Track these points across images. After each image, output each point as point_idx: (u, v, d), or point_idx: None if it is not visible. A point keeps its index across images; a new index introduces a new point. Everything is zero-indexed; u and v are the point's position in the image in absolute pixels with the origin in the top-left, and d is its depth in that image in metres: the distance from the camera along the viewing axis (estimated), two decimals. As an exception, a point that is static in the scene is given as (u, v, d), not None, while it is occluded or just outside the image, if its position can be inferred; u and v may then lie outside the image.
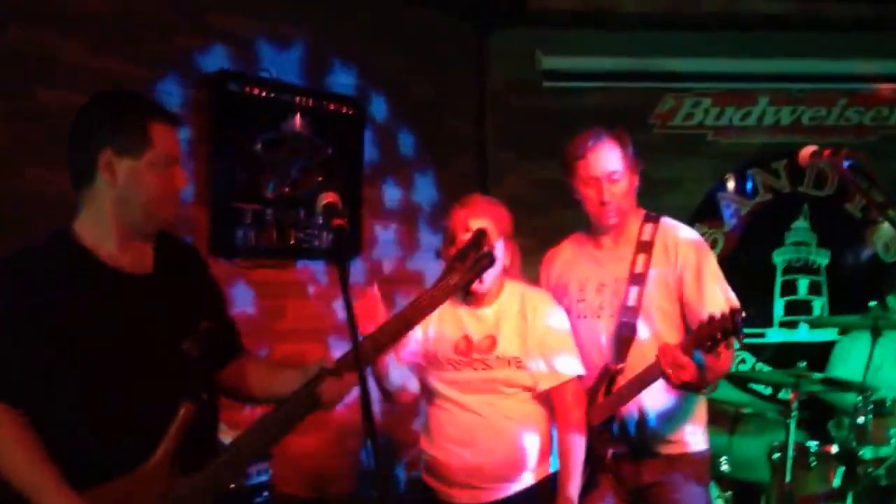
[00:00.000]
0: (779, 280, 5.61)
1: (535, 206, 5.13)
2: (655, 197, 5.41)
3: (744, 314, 2.77)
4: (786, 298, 5.60)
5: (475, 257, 2.56)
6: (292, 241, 4.15)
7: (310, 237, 4.22)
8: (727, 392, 5.16)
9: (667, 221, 3.25)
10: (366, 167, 4.63)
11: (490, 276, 2.99)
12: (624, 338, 3.08)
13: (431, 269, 5.08)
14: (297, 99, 4.17)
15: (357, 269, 4.53)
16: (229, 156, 3.93)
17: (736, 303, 3.13)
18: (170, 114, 2.32)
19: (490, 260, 2.58)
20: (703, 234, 5.44)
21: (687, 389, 2.89)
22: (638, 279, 3.12)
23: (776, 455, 4.25)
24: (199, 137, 3.88)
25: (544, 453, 3.13)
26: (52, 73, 3.39)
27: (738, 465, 4.79)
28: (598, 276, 3.20)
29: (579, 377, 3.08)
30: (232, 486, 3.18)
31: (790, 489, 4.14)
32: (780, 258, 5.61)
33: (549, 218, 4.56)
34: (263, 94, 4.02)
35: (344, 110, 4.39)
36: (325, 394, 2.34)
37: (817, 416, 4.85)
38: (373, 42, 4.71)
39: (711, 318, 2.77)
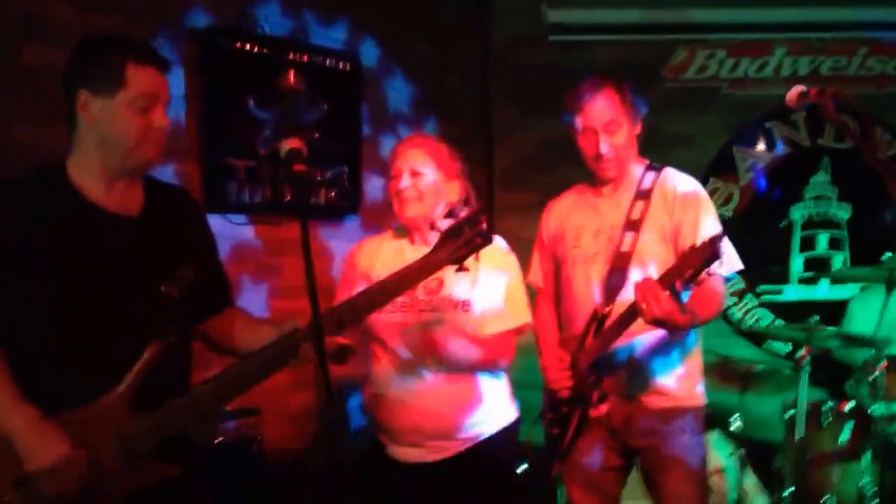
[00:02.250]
0: (797, 235, 5.47)
1: (542, 164, 5.06)
2: (667, 152, 5.29)
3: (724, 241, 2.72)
4: (805, 254, 5.47)
5: (470, 234, 2.45)
6: (288, 198, 4.11)
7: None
8: (741, 349, 5.09)
9: (669, 171, 3.18)
10: (364, 125, 4.57)
11: (422, 207, 2.98)
12: (615, 282, 3.02)
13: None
14: (291, 55, 4.13)
15: (355, 226, 4.50)
16: (221, 111, 3.89)
17: (735, 257, 3.07)
18: (153, 55, 2.31)
19: (485, 239, 2.46)
20: (717, 189, 5.46)
21: (662, 327, 2.81)
22: (634, 225, 3.06)
23: (789, 413, 4.18)
24: (191, 93, 3.84)
25: (488, 405, 3.07)
26: (39, 31, 3.36)
27: (754, 423, 4.74)
28: (595, 223, 3.15)
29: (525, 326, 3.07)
30: (220, 438, 3.19)
31: (802, 447, 4.08)
32: (798, 213, 5.46)
33: (558, 175, 4.44)
34: (255, 49, 3.99)
35: (340, 66, 4.35)
36: (304, 348, 2.32)
37: (836, 374, 4.75)
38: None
39: (692, 247, 2.70)
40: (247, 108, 3.95)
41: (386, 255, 3.11)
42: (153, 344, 2.22)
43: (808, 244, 5.47)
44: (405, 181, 3.01)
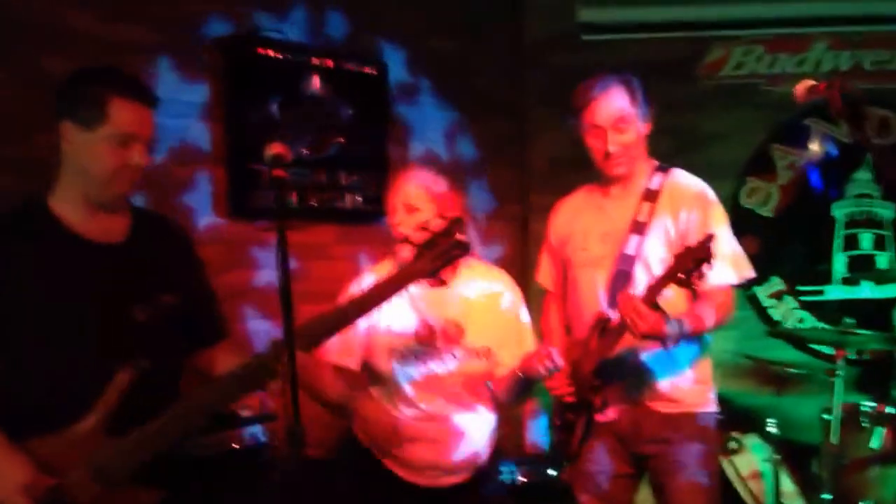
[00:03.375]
0: (839, 235, 5.33)
1: (576, 164, 4.98)
2: (703, 150, 5.27)
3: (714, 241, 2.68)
4: (847, 254, 5.33)
5: (446, 245, 2.43)
6: (313, 203, 4.13)
7: (331, 199, 4.20)
8: (780, 351, 4.98)
9: (678, 172, 3.14)
10: (393, 127, 4.57)
11: None
12: (619, 286, 2.99)
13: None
14: (315, 60, 4.14)
15: (382, 231, 4.49)
16: (244, 118, 3.91)
17: (745, 264, 3.01)
18: (139, 90, 2.34)
19: (462, 250, 2.45)
20: (756, 189, 5.35)
21: (653, 342, 2.78)
22: (640, 228, 3.03)
23: (827, 416, 4.09)
24: (216, 100, 3.89)
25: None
26: (58, 40, 3.41)
27: (793, 425, 4.65)
28: (602, 225, 3.12)
29: None
30: (235, 445, 3.21)
31: (838, 451, 3.99)
32: (840, 212, 5.32)
33: (592, 176, 4.43)
34: (278, 56, 4.00)
35: (366, 70, 4.35)
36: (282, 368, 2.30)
37: (882, 377, 4.63)
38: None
39: (684, 249, 2.66)
40: (269, 114, 3.97)
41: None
42: (124, 369, 2.21)
43: (850, 243, 5.34)
44: (400, 217, 2.99)
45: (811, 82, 2.29)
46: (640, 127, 3.06)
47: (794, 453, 4.61)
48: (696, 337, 2.91)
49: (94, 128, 2.26)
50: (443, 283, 2.98)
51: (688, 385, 3.03)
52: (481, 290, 3.07)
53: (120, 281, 2.32)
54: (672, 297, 2.87)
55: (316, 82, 4.12)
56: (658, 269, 2.92)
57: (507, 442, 4.64)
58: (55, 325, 2.25)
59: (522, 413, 4.62)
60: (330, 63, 4.19)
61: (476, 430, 3.07)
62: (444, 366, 3.00)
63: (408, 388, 3.00)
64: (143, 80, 2.45)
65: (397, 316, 3.02)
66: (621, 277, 2.99)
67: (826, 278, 5.32)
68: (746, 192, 5.33)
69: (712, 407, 3.09)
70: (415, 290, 3.00)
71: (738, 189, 5.33)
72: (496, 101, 5.27)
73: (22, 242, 2.28)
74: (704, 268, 2.64)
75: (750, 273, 3.03)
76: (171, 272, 2.43)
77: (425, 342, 3.00)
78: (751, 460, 4.75)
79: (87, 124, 2.26)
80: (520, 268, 4.99)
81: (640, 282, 2.93)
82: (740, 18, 5.26)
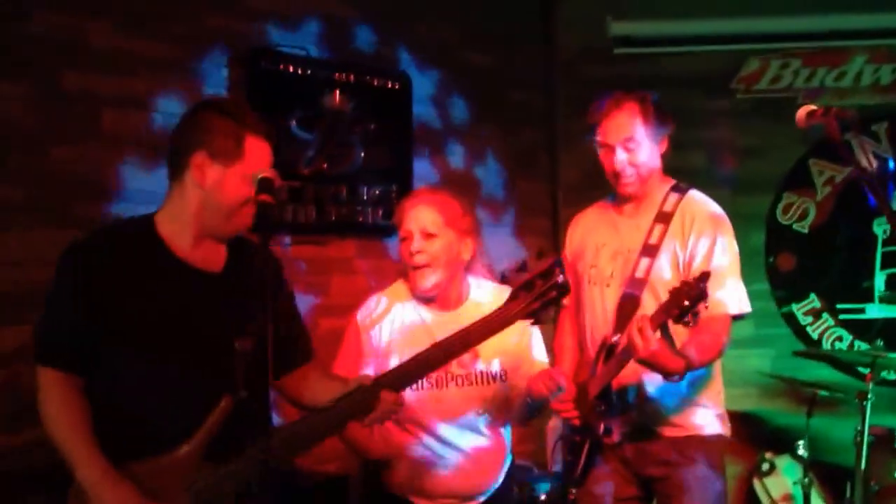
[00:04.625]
0: (879, 252, 5.19)
1: (606, 179, 4.94)
2: (740, 165, 5.19)
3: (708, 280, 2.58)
4: (887, 271, 5.18)
5: (543, 287, 2.39)
6: (333, 217, 4.15)
7: (352, 213, 4.21)
8: (818, 370, 4.86)
9: (693, 194, 3.06)
10: (420, 140, 4.58)
11: (437, 275, 2.93)
12: (626, 310, 2.93)
13: (493, 244, 5.00)
14: (336, 75, 4.16)
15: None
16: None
17: (744, 298, 2.93)
18: (266, 127, 2.36)
19: (561, 292, 2.40)
20: (793, 204, 5.23)
21: (652, 369, 2.72)
22: (650, 250, 2.97)
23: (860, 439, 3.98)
24: (235, 115, 3.91)
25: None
26: (79, 55, 3.48)
27: (828, 447, 4.56)
28: (614, 243, 3.06)
29: None
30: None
31: (867, 476, 3.88)
32: (881, 228, 5.18)
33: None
34: (299, 71, 4.03)
35: (389, 85, 4.36)
36: (378, 402, 2.38)
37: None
38: (425, 13, 4.68)
39: (680, 285, 2.59)
40: (289, 128, 3.99)
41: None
42: (225, 398, 2.23)
43: (891, 260, 5.19)
44: (416, 244, 2.93)
45: (811, 107, 2.25)
46: (652, 146, 2.98)
47: (827, 476, 4.50)
48: (688, 372, 2.83)
49: (230, 163, 2.27)
50: (448, 303, 3.00)
51: (693, 408, 2.97)
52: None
53: (220, 310, 2.34)
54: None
55: (337, 97, 4.14)
56: (665, 294, 2.87)
57: (531, 458, 4.61)
58: (159, 348, 2.27)
59: (546, 430, 4.57)
60: (352, 77, 4.20)
61: (490, 456, 3.05)
62: (457, 390, 2.97)
63: (419, 411, 2.98)
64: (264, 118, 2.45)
65: (409, 340, 2.98)
66: (629, 301, 2.93)
67: (868, 296, 5.18)
68: (783, 207, 5.23)
69: (719, 429, 3.01)
70: (426, 313, 3.01)
71: (774, 205, 5.24)
72: (527, 115, 5.27)
73: (132, 258, 2.31)
74: (699, 307, 2.57)
75: (746, 308, 2.94)
76: (265, 300, 2.35)
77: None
78: (783, 482, 4.65)
79: (224, 158, 2.27)
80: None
81: (648, 306, 2.86)
82: (776, 31, 5.16)
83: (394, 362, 2.94)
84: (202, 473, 2.25)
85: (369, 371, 2.96)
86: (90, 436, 2.24)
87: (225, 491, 2.25)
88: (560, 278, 2.37)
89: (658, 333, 2.60)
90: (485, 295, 3.06)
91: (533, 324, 2.50)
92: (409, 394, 2.91)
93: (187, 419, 2.25)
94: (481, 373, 2.99)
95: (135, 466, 2.23)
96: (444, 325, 2.92)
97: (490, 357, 2.99)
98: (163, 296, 2.29)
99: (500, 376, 3.02)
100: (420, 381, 2.90)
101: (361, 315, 3.08)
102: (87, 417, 2.27)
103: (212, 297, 2.33)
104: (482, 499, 3.05)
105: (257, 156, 2.30)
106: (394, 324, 3.02)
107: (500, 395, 3.03)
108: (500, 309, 2.42)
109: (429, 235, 2.92)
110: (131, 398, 2.27)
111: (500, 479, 3.11)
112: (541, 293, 2.38)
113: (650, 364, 2.65)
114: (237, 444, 2.26)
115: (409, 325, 3.00)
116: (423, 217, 2.94)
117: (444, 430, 2.98)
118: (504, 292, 3.09)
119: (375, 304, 3.08)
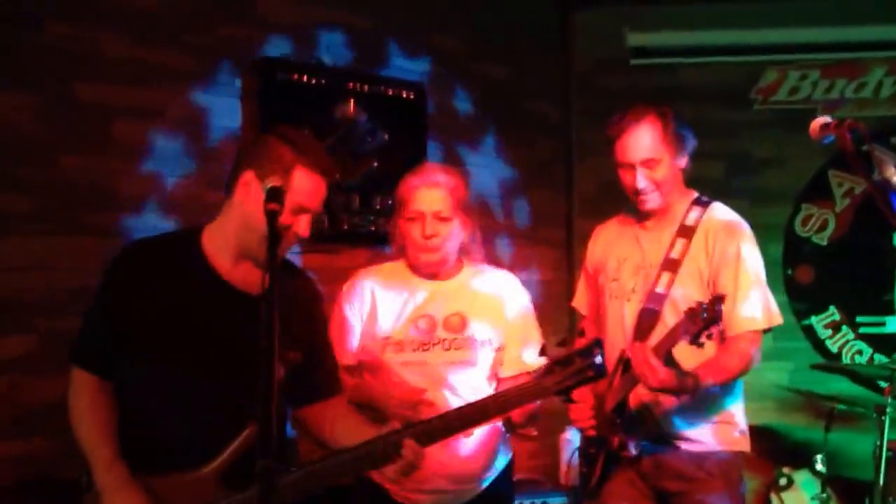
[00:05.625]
0: (899, 264, 5.13)
1: (622, 191, 4.91)
2: (757, 176, 5.14)
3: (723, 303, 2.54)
4: (908, 284, 5.13)
5: (582, 365, 2.36)
6: (345, 227, 4.14)
7: (364, 223, 4.21)
8: (837, 384, 4.79)
9: (716, 208, 3.01)
10: (435, 151, 4.57)
11: (443, 255, 2.92)
12: (645, 325, 2.90)
13: (507, 254, 4.98)
14: (350, 85, 4.17)
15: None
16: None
17: (774, 308, 2.89)
18: (324, 164, 2.33)
19: (597, 373, 2.37)
20: (812, 216, 5.18)
21: (668, 393, 2.69)
22: (672, 265, 2.92)
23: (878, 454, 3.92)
24: (248, 124, 3.91)
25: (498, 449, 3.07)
26: (91, 66, 3.48)
27: (846, 462, 4.53)
28: (636, 257, 3.02)
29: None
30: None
31: (887, 491, 3.82)
32: (901, 240, 5.13)
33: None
34: (312, 81, 4.03)
35: (403, 95, 4.36)
36: (406, 448, 2.30)
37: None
38: (441, 24, 4.67)
39: (691, 310, 2.54)
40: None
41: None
42: (252, 425, 2.18)
43: (911, 273, 5.13)
44: (431, 227, 2.90)
45: (824, 119, 2.22)
46: (673, 161, 2.92)
47: (846, 491, 4.44)
48: (715, 387, 2.79)
49: None
50: (438, 275, 2.99)
51: (712, 424, 2.92)
52: (487, 287, 3.02)
53: (250, 332, 2.24)
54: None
55: (351, 107, 4.13)
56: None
57: (543, 473, 4.57)
58: (191, 363, 2.27)
59: (558, 443, 4.53)
60: (366, 87, 4.20)
61: (480, 434, 2.97)
62: (444, 355, 2.93)
63: (408, 378, 2.94)
64: (327, 153, 2.43)
65: (393, 309, 2.98)
66: (649, 316, 2.89)
67: (888, 309, 5.12)
68: (802, 219, 5.18)
69: (738, 446, 2.96)
70: (418, 286, 3.00)
71: (793, 216, 5.20)
72: (543, 126, 5.25)
73: (171, 270, 2.32)
74: (713, 329, 2.53)
75: (777, 320, 2.90)
76: (299, 328, 2.39)
77: (425, 332, 2.94)
78: (800, 497, 4.59)
79: (269, 182, 2.24)
80: (561, 294, 4.94)
81: (669, 321, 2.82)
82: (794, 43, 5.13)
83: (380, 312, 2.96)
84: (216, 496, 2.23)
85: (355, 340, 2.99)
86: (112, 440, 2.26)
87: None
88: (598, 359, 2.35)
89: (659, 362, 2.60)
90: (481, 273, 3.06)
91: (563, 401, 2.47)
92: (393, 357, 2.93)
93: (210, 440, 2.24)
94: (468, 338, 2.95)
95: (153, 480, 2.22)
96: (433, 292, 2.97)
97: (479, 324, 2.96)
98: (193, 311, 2.30)
99: (488, 343, 2.98)
100: (399, 347, 2.93)
101: (343, 290, 3.10)
102: (111, 421, 2.28)
103: (247, 320, 2.25)
104: (478, 489, 3.00)
105: (304, 189, 2.27)
106: (376, 282, 3.04)
107: (486, 363, 2.98)
108: (535, 381, 2.40)
109: (443, 219, 2.90)
110: (157, 411, 2.27)
111: (494, 469, 3.04)
112: (578, 370, 2.36)
113: (660, 390, 2.65)
114: (250, 470, 2.21)
115: (392, 278, 3.04)
116: (437, 200, 2.90)
117: (430, 396, 2.91)
118: (502, 273, 3.10)
119: (356, 278, 3.11)
